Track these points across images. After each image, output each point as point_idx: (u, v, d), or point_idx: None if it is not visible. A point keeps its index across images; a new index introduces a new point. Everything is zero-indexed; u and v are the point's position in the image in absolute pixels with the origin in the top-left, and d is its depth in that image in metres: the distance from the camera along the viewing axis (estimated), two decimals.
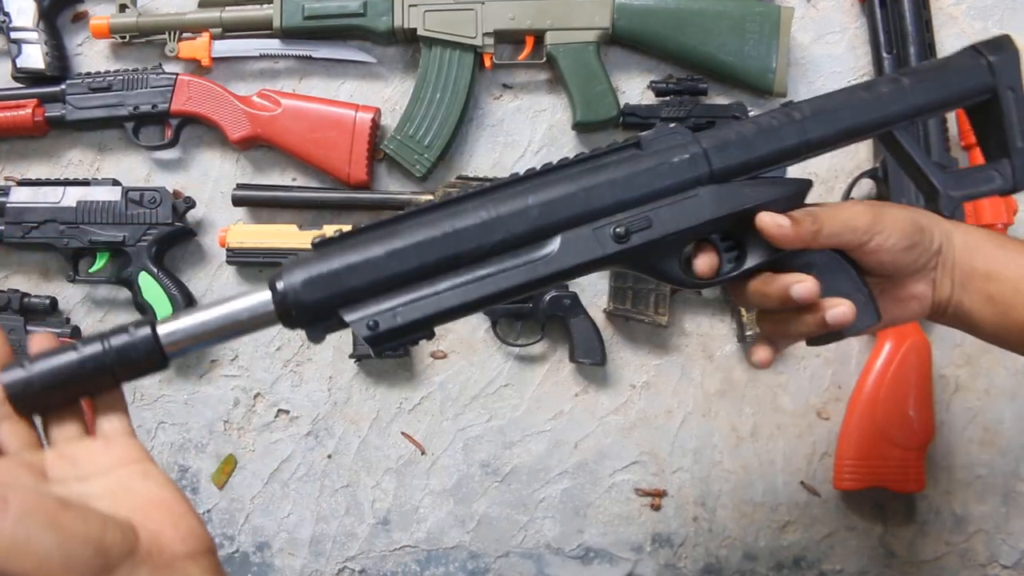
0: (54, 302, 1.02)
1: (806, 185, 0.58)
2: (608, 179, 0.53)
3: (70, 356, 0.46)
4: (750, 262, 0.57)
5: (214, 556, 0.45)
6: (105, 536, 0.40)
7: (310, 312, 0.49)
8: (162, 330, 0.48)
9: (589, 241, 0.53)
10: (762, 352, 0.60)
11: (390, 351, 0.51)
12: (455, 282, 0.51)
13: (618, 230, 0.53)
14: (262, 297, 0.49)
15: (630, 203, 0.53)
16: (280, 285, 0.48)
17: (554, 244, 0.52)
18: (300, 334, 1.01)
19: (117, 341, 0.47)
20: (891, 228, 0.56)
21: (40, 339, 0.48)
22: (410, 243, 0.50)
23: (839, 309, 0.54)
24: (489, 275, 0.51)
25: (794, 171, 1.01)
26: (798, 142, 0.56)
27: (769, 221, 0.54)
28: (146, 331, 0.47)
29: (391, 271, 0.50)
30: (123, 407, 0.49)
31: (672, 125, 0.56)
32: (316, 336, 0.50)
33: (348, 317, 0.49)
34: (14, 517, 0.37)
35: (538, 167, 0.54)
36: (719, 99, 1.03)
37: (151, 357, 0.47)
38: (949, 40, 1.04)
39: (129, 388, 1.01)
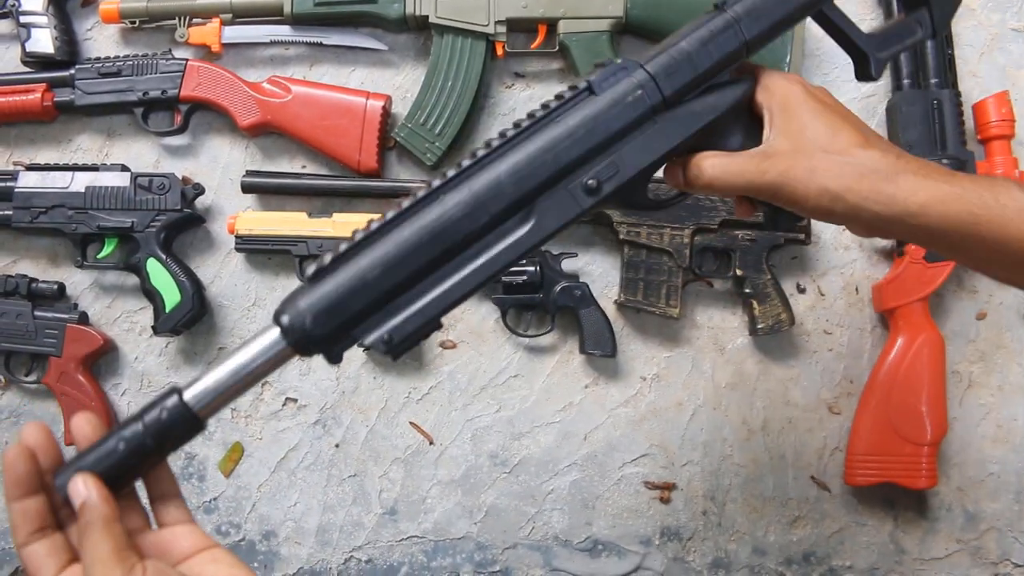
0: (62, 287, 1.01)
1: (749, 86, 0.58)
2: (569, 132, 0.54)
3: (114, 445, 0.48)
4: None
5: None
6: None
7: (323, 341, 0.50)
8: (189, 397, 0.49)
9: (565, 200, 0.54)
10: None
11: (406, 352, 0.52)
12: (453, 275, 0.52)
13: (590, 183, 0.54)
14: (272, 337, 0.50)
15: (595, 151, 0.54)
16: (286, 320, 0.49)
17: (534, 212, 0.53)
18: None
19: (151, 418, 0.48)
20: (803, 195, 0.54)
21: (80, 423, 0.49)
22: (401, 251, 0.50)
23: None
24: (483, 260, 0.52)
25: None
26: (738, 45, 0.57)
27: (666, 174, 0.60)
28: (175, 400, 0.48)
29: (390, 283, 0.50)
30: (176, 491, 0.51)
31: (619, 60, 0.56)
32: (334, 358, 0.51)
33: (365, 340, 0.51)
34: None
35: (499, 137, 0.54)
36: None
37: (187, 425, 0.49)
38: (966, 32, 1.03)
39: (136, 375, 1.01)
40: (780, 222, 0.62)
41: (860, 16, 1.04)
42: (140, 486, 0.50)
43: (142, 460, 0.48)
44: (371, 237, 0.51)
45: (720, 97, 0.57)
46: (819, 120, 0.55)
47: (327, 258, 0.51)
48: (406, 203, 0.52)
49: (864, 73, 0.61)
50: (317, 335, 0.49)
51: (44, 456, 0.47)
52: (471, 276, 0.52)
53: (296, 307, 0.49)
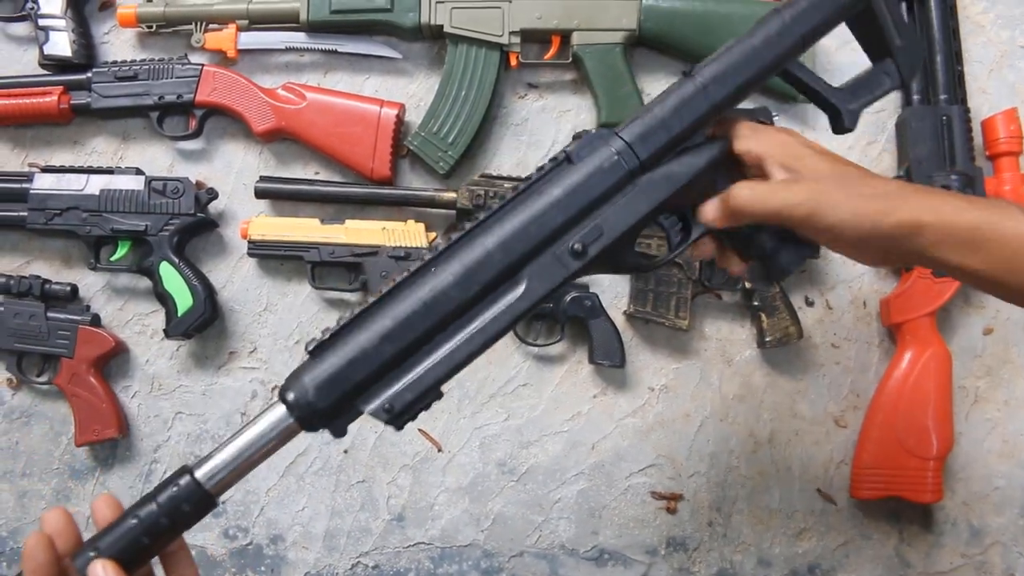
0: (75, 289, 1.02)
1: (725, 143, 0.60)
2: (552, 201, 0.57)
3: (131, 526, 0.50)
4: (695, 233, 0.62)
5: None
6: None
7: (327, 414, 0.52)
8: (201, 475, 0.51)
9: (553, 265, 0.56)
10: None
11: (409, 421, 0.55)
12: (448, 343, 0.54)
13: (576, 247, 0.57)
14: (278, 413, 0.52)
15: (578, 216, 0.57)
16: (291, 396, 0.51)
17: (523, 278, 0.56)
18: (316, 325, 1.01)
19: (164, 498, 0.50)
20: (834, 224, 0.56)
21: (100, 506, 0.52)
22: (398, 322, 0.53)
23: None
24: (477, 327, 0.55)
25: None
26: (708, 108, 0.59)
27: (704, 210, 0.60)
28: (187, 480, 0.50)
29: (389, 354, 0.53)
30: (194, 571, 0.54)
31: (594, 131, 0.60)
32: (339, 431, 0.53)
33: (366, 409, 0.53)
34: None
35: (485, 212, 0.57)
36: (744, 103, 1.02)
37: (201, 504, 0.51)
38: (976, 48, 1.04)
39: (146, 378, 1.02)
40: (773, 268, 0.63)
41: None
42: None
43: (157, 539, 0.50)
44: (370, 310, 0.54)
45: (697, 156, 0.60)
46: (825, 158, 0.58)
47: (327, 333, 0.53)
48: (400, 277, 0.54)
49: (838, 126, 0.63)
50: (321, 408, 0.51)
51: (63, 541, 0.50)
52: (467, 343, 0.54)
53: (300, 382, 0.52)
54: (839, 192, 0.55)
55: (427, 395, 0.54)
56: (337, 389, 0.52)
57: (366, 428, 1.01)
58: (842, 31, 1.01)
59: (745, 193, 0.57)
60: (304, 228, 0.99)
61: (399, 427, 0.53)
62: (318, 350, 0.53)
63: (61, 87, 1.03)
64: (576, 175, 0.57)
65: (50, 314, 1.00)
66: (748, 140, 0.59)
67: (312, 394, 0.51)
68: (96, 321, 1.02)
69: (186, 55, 1.04)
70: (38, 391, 1.04)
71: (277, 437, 0.52)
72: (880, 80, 0.63)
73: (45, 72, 1.05)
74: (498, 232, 0.56)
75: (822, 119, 1.03)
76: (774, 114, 1.01)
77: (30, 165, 1.07)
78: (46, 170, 1.02)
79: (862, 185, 0.56)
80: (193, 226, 1.01)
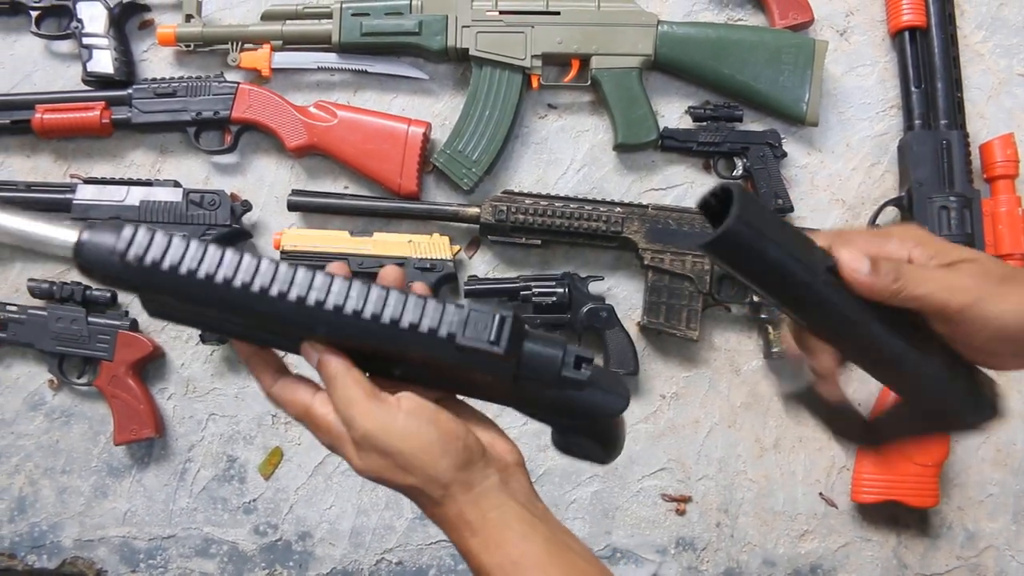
0: (114, 295, 1.06)
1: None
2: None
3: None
4: None
5: (525, 467, 0.55)
6: (468, 436, 0.50)
7: (108, 279, 0.48)
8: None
9: None
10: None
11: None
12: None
13: None
14: (65, 238, 0.47)
15: None
16: (86, 242, 0.47)
17: None
18: None
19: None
20: (999, 315, 0.48)
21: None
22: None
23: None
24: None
25: (822, 197, 1.07)
26: None
27: (847, 259, 0.48)
28: None
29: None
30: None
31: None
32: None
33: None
34: (405, 412, 0.49)
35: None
36: (753, 126, 1.08)
37: None
38: (975, 76, 1.09)
39: (181, 380, 1.07)
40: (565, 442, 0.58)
41: (874, 58, 1.10)
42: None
43: None
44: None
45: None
46: (970, 249, 0.52)
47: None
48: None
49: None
50: (110, 274, 0.47)
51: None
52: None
53: (108, 241, 0.46)
54: (1003, 283, 0.48)
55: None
56: (141, 278, 0.47)
57: None
58: (850, 58, 1.05)
59: (925, 279, 0.48)
60: (334, 239, 1.04)
61: (152, 311, 0.51)
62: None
63: (103, 102, 1.08)
64: None
65: (91, 319, 1.05)
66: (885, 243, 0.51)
67: (115, 263, 0.46)
68: (134, 326, 1.06)
69: (222, 73, 1.09)
70: (78, 392, 1.09)
71: (43, 249, 0.48)
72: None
73: (88, 88, 1.10)
74: None
75: (829, 141, 1.09)
76: (782, 137, 1.07)
77: (72, 176, 1.12)
78: (88, 181, 1.07)
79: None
80: (228, 236, 1.05)
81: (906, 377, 0.53)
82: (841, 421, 0.59)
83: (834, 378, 0.54)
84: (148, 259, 0.47)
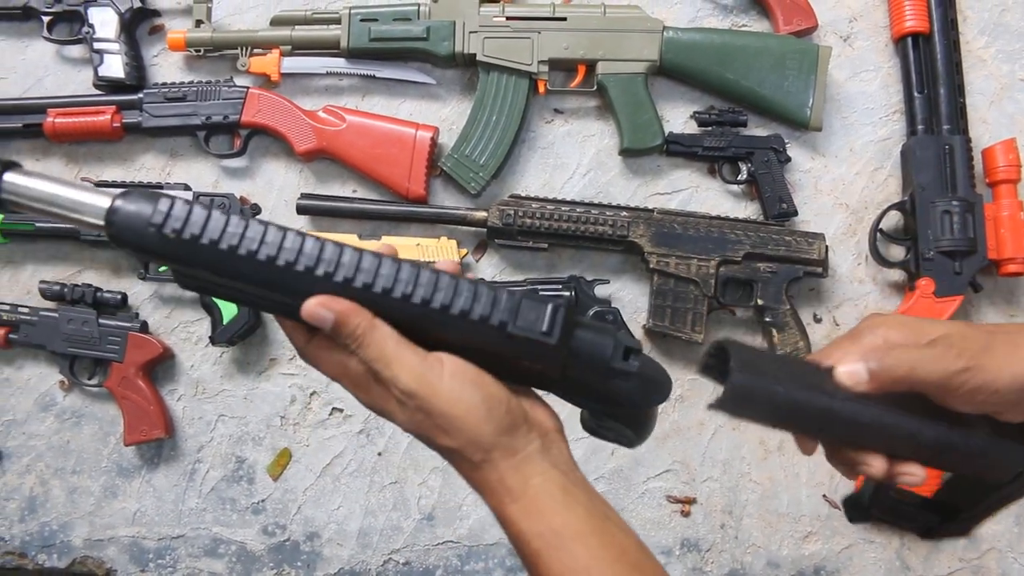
0: (125, 297, 1.08)
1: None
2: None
3: None
4: None
5: (564, 434, 0.54)
6: (511, 401, 0.50)
7: (139, 250, 0.47)
8: (10, 178, 0.47)
9: None
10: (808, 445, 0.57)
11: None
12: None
13: None
14: (98, 203, 0.47)
15: None
16: (120, 209, 0.46)
17: None
18: None
19: None
20: (1001, 387, 0.49)
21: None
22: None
23: (911, 478, 0.53)
24: None
25: (825, 201, 1.08)
26: None
27: (844, 373, 0.50)
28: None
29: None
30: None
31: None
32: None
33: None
34: (449, 373, 0.48)
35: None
36: (758, 131, 1.09)
37: None
38: (978, 82, 1.10)
39: (191, 382, 1.08)
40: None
41: (878, 64, 1.11)
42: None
43: None
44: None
45: None
46: (957, 323, 0.54)
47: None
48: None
49: None
50: (141, 244, 0.46)
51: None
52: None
53: (145, 211, 0.45)
54: (988, 345, 0.50)
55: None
56: (170, 250, 0.45)
57: (399, 432, 1.07)
58: (854, 63, 1.06)
59: (906, 358, 0.50)
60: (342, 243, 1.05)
61: (183, 284, 0.49)
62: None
63: (114, 106, 1.09)
64: None
65: (102, 321, 1.06)
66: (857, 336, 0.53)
67: (150, 235, 0.45)
68: (145, 328, 1.07)
69: (232, 78, 1.11)
70: (88, 393, 1.10)
71: (72, 214, 0.47)
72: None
73: (99, 92, 1.11)
74: None
75: (832, 146, 1.10)
76: (786, 141, 1.08)
77: (82, 179, 1.13)
78: (99, 185, 1.09)
79: (1009, 342, 0.51)
80: None
81: (955, 457, 0.53)
82: (916, 515, 0.60)
83: (893, 472, 0.53)
84: (186, 233, 0.45)
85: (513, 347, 0.48)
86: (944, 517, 0.59)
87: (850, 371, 0.50)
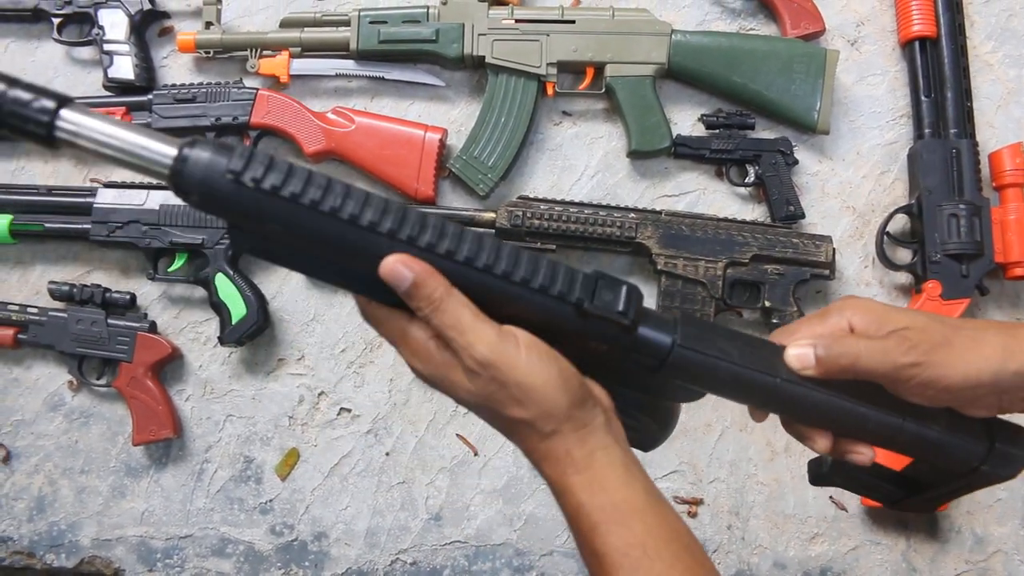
0: (134, 297, 1.08)
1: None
2: None
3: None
4: None
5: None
6: (579, 376, 0.50)
7: (204, 199, 0.44)
8: (68, 115, 0.43)
9: None
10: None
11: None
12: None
13: None
14: (165, 152, 0.44)
15: None
16: (189, 158, 0.43)
17: None
18: (361, 335, 1.06)
19: (15, 94, 0.42)
20: (954, 384, 0.50)
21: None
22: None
23: (859, 457, 0.54)
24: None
25: (833, 204, 1.08)
26: None
27: (793, 355, 0.52)
28: (50, 105, 0.43)
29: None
30: None
31: None
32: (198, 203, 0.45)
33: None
34: (524, 347, 0.48)
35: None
36: (765, 133, 1.09)
37: (38, 128, 0.43)
38: (984, 86, 1.11)
39: (199, 382, 1.08)
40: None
41: (884, 68, 1.12)
42: None
43: None
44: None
45: None
46: (920, 312, 0.55)
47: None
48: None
49: None
50: (209, 192, 0.43)
51: None
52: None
53: (215, 159, 0.43)
54: (947, 341, 0.51)
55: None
56: (235, 203, 0.43)
57: (407, 433, 1.08)
58: (861, 67, 1.06)
59: (853, 348, 0.50)
60: None
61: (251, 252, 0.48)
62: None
63: (124, 108, 1.10)
64: None
65: (111, 321, 1.07)
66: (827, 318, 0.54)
67: (225, 184, 0.43)
68: (153, 328, 1.08)
69: (241, 79, 1.11)
70: (97, 393, 1.10)
71: (138, 161, 0.44)
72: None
73: (109, 94, 1.12)
74: None
75: (840, 149, 1.10)
76: (794, 145, 1.08)
77: (92, 180, 1.13)
78: (108, 186, 1.09)
79: (969, 338, 0.51)
80: None
81: (907, 445, 0.54)
82: (877, 486, 0.61)
83: (840, 450, 0.55)
84: (266, 183, 0.43)
85: (586, 326, 0.48)
86: (910, 491, 0.60)
87: (799, 354, 0.51)
